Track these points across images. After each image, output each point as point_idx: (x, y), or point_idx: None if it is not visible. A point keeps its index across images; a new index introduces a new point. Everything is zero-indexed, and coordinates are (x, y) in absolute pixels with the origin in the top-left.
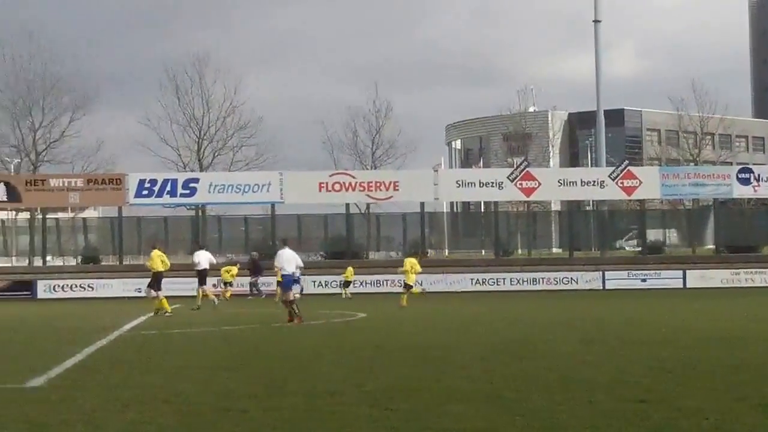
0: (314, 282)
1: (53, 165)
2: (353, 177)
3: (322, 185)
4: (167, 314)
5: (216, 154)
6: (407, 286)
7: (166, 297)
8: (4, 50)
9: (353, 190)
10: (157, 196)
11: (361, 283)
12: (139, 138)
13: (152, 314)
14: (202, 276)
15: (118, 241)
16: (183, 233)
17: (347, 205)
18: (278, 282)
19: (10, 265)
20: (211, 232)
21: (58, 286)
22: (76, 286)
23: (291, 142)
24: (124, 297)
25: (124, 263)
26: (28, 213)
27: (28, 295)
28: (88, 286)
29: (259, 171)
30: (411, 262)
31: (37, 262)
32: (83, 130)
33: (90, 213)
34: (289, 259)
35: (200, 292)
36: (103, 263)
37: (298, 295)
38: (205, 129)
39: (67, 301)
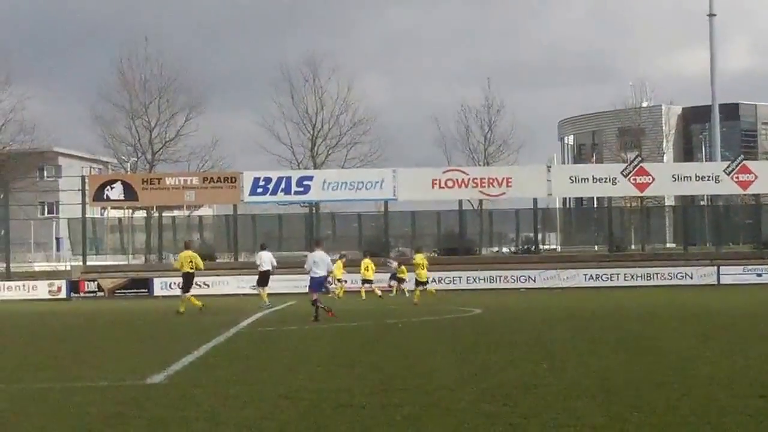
0: (428, 278)
1: (169, 164)
2: (466, 173)
3: (435, 182)
4: (202, 309)
5: (330, 152)
6: (420, 283)
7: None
8: (121, 51)
9: (466, 186)
10: (271, 194)
11: (475, 279)
12: (254, 136)
13: (179, 312)
14: (263, 277)
15: (233, 238)
16: (297, 231)
17: (460, 201)
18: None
19: (127, 263)
20: (325, 230)
21: (174, 283)
22: (194, 284)
23: (404, 139)
24: (239, 294)
25: (239, 260)
26: (145, 211)
27: (145, 293)
28: (204, 283)
29: (372, 168)
30: (420, 258)
31: (153, 259)
32: (198, 128)
33: (205, 211)
34: (319, 262)
35: (262, 292)
36: (218, 260)
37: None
38: (319, 127)
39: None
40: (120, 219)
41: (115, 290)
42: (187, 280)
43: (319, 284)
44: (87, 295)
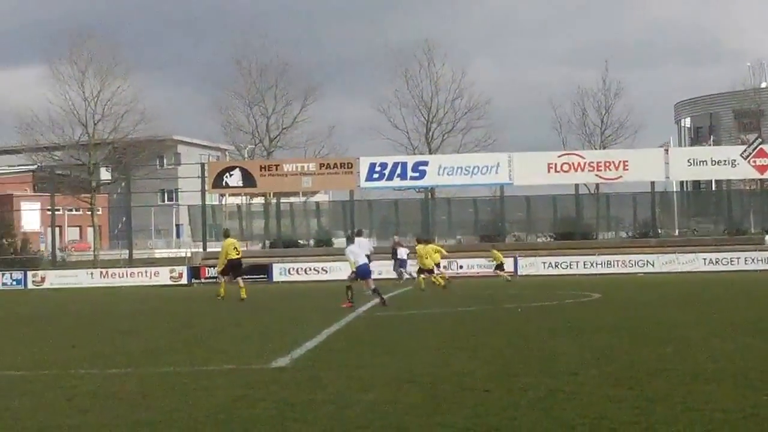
0: (544, 263)
1: (286, 150)
2: (582, 157)
3: (551, 166)
4: (219, 298)
5: (445, 137)
6: (427, 271)
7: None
8: (236, 39)
9: (582, 170)
10: (387, 180)
11: (592, 264)
12: (369, 121)
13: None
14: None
15: (349, 224)
16: (413, 216)
17: (576, 185)
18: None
19: (245, 249)
20: (440, 215)
21: (293, 269)
22: (311, 269)
23: (519, 122)
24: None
25: None
26: (263, 198)
27: (264, 279)
28: (322, 269)
29: (487, 153)
30: (425, 249)
31: (270, 246)
32: (314, 115)
33: (321, 197)
34: (359, 252)
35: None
36: (335, 246)
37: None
38: (434, 112)
39: (301, 283)
40: (238, 205)
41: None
42: (236, 267)
43: (366, 272)
44: (207, 280)
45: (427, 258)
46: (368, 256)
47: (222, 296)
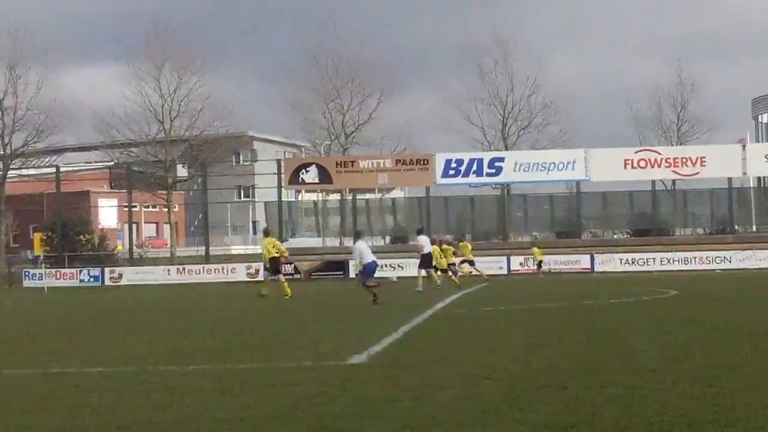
0: (620, 260)
1: (362, 147)
2: (659, 153)
3: (628, 162)
4: (286, 298)
5: (520, 133)
6: (441, 270)
7: None
8: (312, 35)
9: (659, 166)
10: (463, 176)
11: (669, 261)
12: (445, 117)
13: (260, 296)
14: (426, 260)
15: (425, 220)
16: (489, 212)
17: (653, 181)
18: (359, 271)
19: (322, 245)
20: (516, 211)
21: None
22: (386, 266)
23: (595, 118)
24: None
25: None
26: (339, 194)
27: (340, 275)
28: (398, 265)
29: (563, 149)
30: (437, 251)
31: (348, 242)
32: (390, 111)
33: (396, 193)
34: (366, 250)
35: (420, 275)
36: (411, 243)
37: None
38: (510, 108)
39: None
40: (315, 202)
41: (311, 272)
42: (275, 265)
43: (372, 270)
44: (285, 277)
45: (442, 258)
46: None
47: (289, 295)
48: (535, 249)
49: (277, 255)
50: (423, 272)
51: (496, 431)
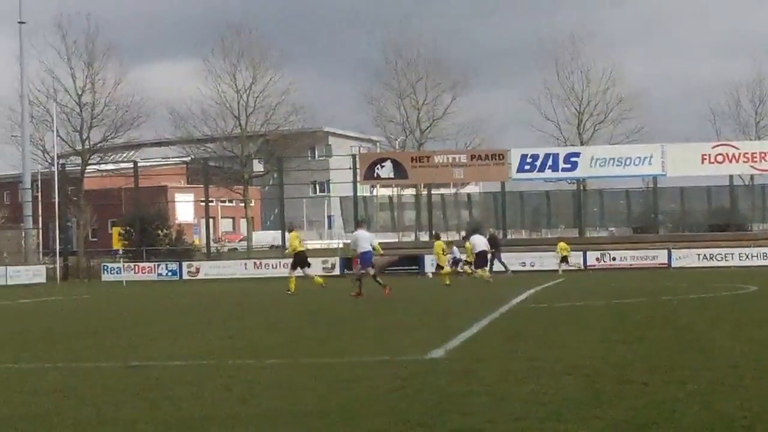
0: (698, 255)
1: (437, 141)
2: (737, 148)
3: (705, 157)
4: (289, 293)
5: (596, 128)
6: (439, 267)
7: None
8: (387, 31)
9: (737, 161)
10: (539, 171)
11: (747, 256)
12: (519, 112)
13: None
14: (481, 258)
15: (501, 215)
16: (564, 207)
17: (731, 176)
18: (357, 259)
19: (397, 240)
20: (592, 206)
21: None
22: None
23: (671, 113)
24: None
25: (507, 237)
26: (414, 189)
27: (416, 270)
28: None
29: (640, 144)
30: (440, 245)
31: (423, 237)
32: (465, 106)
33: (471, 188)
34: (364, 238)
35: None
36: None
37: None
38: (585, 103)
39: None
40: (390, 197)
41: (386, 267)
42: (302, 259)
43: (368, 259)
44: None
45: (441, 255)
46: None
47: (292, 291)
48: (561, 244)
49: (303, 249)
50: (479, 271)
51: (576, 427)
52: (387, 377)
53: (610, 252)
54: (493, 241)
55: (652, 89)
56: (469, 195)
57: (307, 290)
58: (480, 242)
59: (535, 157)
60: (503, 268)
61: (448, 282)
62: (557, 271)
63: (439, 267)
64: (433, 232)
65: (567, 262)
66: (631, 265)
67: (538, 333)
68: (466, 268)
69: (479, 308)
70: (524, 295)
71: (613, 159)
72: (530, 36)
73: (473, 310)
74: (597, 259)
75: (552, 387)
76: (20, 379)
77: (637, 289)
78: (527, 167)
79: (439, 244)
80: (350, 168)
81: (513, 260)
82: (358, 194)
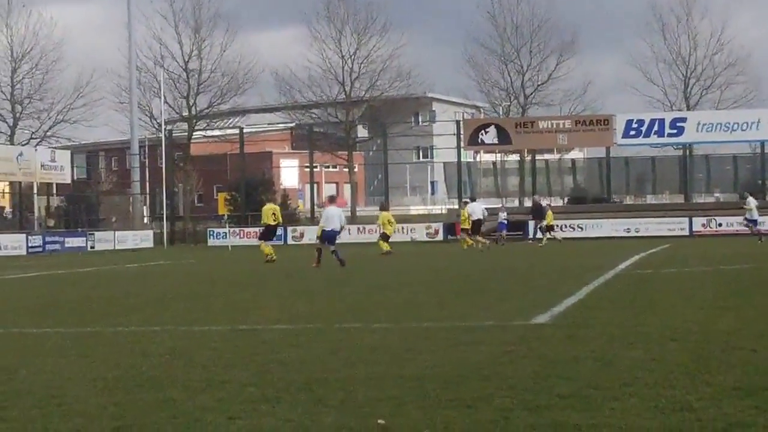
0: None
1: (541, 107)
2: None
3: None
4: (268, 259)
5: (703, 93)
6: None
7: None
8: None
9: None
10: (644, 137)
11: None
12: (624, 77)
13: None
14: (476, 225)
15: (605, 181)
16: (670, 173)
17: None
18: (318, 236)
19: (500, 205)
20: (698, 172)
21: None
22: (566, 226)
23: None
24: (613, 237)
25: (612, 203)
26: (518, 155)
27: (520, 236)
28: (578, 226)
29: (747, 109)
30: (385, 216)
31: (527, 203)
32: (570, 71)
33: (575, 154)
34: (332, 217)
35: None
36: (590, 204)
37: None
38: (692, 67)
39: (555, 241)
40: (494, 162)
41: (490, 233)
42: (268, 231)
43: (330, 237)
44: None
45: (387, 225)
46: (342, 227)
47: (268, 259)
48: (549, 213)
49: (273, 223)
50: (478, 238)
51: (684, 393)
52: (493, 342)
53: (716, 218)
54: (537, 209)
55: (761, 53)
56: (573, 161)
57: (407, 252)
58: (477, 210)
59: (640, 122)
60: (541, 236)
61: (467, 246)
62: (541, 240)
63: (384, 236)
64: (380, 204)
65: (548, 231)
66: (737, 231)
67: (643, 299)
68: (466, 236)
69: (584, 274)
70: (629, 261)
71: (720, 124)
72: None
73: (578, 276)
74: (703, 225)
75: (659, 352)
76: (131, 341)
77: (744, 254)
78: (633, 132)
79: (384, 215)
80: (454, 134)
81: (618, 226)
82: (462, 160)
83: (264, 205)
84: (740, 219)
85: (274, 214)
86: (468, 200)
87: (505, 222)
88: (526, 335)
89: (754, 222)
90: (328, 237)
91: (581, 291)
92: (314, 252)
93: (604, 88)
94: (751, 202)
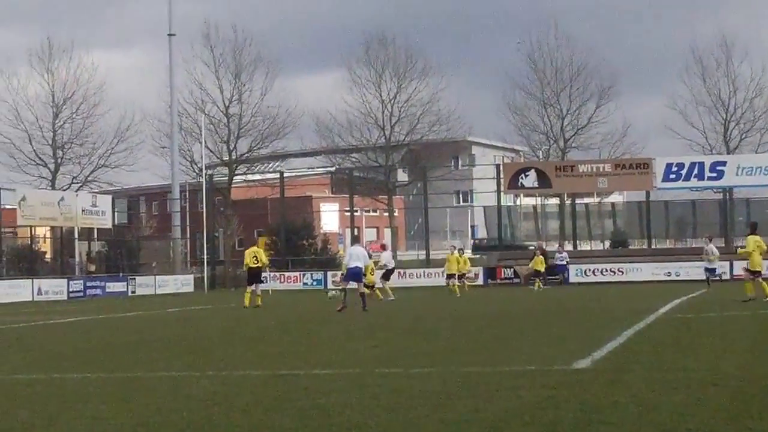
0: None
1: (580, 151)
2: None
3: None
4: (249, 305)
5: (743, 136)
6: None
7: None
8: (531, 39)
9: None
10: (684, 180)
11: None
12: (664, 120)
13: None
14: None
15: (646, 224)
16: (710, 217)
17: None
18: (342, 274)
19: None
20: (738, 215)
21: (589, 270)
22: (606, 270)
23: None
24: (653, 281)
25: (652, 247)
26: (558, 198)
27: (558, 280)
28: (618, 270)
29: None
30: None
31: (567, 246)
32: (609, 115)
33: (615, 197)
34: (355, 255)
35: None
36: (631, 247)
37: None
38: (732, 111)
39: (597, 284)
40: (534, 206)
41: (530, 277)
42: (251, 275)
43: (354, 275)
44: (503, 281)
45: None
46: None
47: (247, 306)
48: (538, 258)
49: (254, 266)
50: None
51: None
52: (534, 387)
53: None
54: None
55: None
56: (613, 204)
57: (449, 298)
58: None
59: (680, 166)
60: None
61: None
62: (533, 288)
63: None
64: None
65: (539, 277)
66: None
67: (684, 342)
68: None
69: (625, 318)
70: (670, 305)
71: (760, 168)
72: (678, 44)
73: (619, 320)
74: (744, 268)
75: (700, 397)
76: (172, 387)
77: None
78: (672, 176)
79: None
80: (494, 177)
81: (658, 270)
82: (502, 204)
83: (249, 248)
84: None
85: (255, 256)
86: (455, 246)
87: (565, 264)
88: (568, 380)
89: None
90: (352, 274)
91: (622, 335)
92: (357, 296)
93: (644, 131)
94: None
